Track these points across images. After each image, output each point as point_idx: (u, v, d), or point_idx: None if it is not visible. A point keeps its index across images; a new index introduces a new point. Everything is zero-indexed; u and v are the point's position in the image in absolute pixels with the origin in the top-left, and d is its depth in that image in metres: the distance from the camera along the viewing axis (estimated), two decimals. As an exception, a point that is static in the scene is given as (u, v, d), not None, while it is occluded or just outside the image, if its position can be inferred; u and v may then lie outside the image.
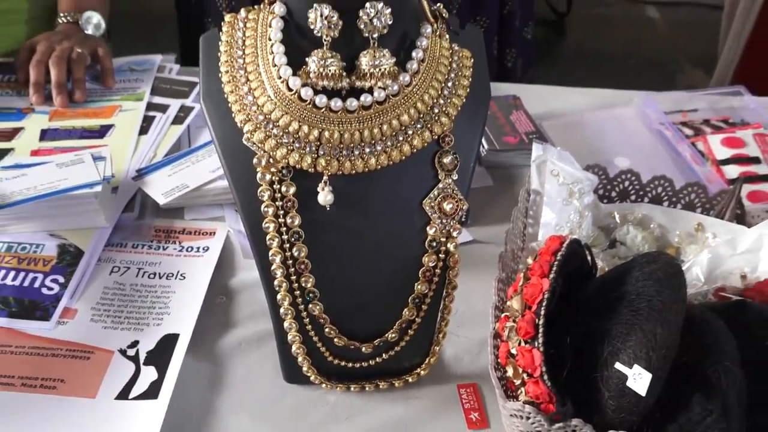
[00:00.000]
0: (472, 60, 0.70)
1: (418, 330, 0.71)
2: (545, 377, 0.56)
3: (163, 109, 1.07)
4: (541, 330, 0.57)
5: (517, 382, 0.58)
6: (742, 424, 0.56)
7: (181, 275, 0.84)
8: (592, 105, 1.19)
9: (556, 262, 0.59)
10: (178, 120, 1.05)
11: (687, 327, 0.58)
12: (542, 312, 0.57)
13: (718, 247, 0.73)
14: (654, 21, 2.92)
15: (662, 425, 0.57)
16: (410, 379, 0.74)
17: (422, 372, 0.74)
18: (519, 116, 1.09)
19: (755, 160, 1.04)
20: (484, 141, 1.03)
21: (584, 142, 1.10)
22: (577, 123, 1.15)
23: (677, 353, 0.56)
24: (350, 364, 0.72)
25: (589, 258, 0.67)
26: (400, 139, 0.65)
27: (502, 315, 0.62)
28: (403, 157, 0.65)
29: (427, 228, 0.68)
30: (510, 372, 0.59)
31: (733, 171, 1.02)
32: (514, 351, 0.58)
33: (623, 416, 0.56)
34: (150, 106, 1.08)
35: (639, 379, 0.54)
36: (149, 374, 0.73)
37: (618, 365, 0.55)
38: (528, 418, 0.58)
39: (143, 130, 1.03)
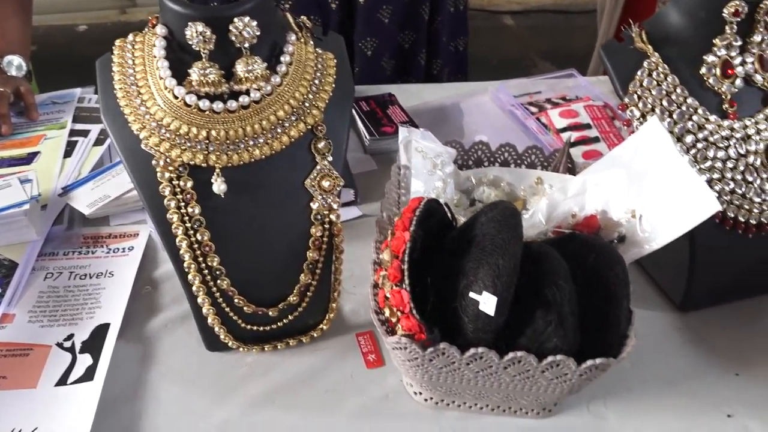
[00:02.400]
0: (335, 60, 0.71)
1: (316, 291, 0.72)
2: (414, 312, 0.57)
3: (84, 133, 1.04)
4: (406, 273, 0.58)
5: (394, 320, 0.60)
6: (576, 327, 0.59)
7: (109, 273, 0.81)
8: (457, 96, 1.22)
9: (415, 217, 0.61)
10: (99, 142, 1.02)
11: (526, 257, 0.60)
12: (406, 259, 0.58)
13: (553, 194, 0.76)
14: (510, 27, 3.01)
15: (514, 339, 0.60)
16: (315, 335, 0.75)
17: (324, 327, 0.75)
18: (394, 110, 1.11)
19: (587, 126, 1.09)
20: (366, 132, 1.05)
21: (450, 126, 1.13)
22: (443, 111, 1.18)
23: (519, 278, 0.58)
24: (261, 328, 0.72)
25: (449, 213, 0.69)
26: (279, 131, 0.66)
27: (378, 268, 0.63)
28: (284, 146, 0.66)
29: (311, 204, 0.68)
30: (387, 313, 0.60)
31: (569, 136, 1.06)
32: (388, 295, 0.59)
33: (481, 336, 0.58)
34: (73, 133, 1.04)
35: (488, 303, 0.56)
36: (85, 361, 0.71)
37: (471, 294, 0.57)
38: (405, 348, 0.59)
39: (67, 153, 0.99)
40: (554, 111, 1.12)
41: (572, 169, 0.84)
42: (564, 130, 1.07)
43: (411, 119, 1.08)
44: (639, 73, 0.72)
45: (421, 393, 0.70)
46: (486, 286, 0.57)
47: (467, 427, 0.68)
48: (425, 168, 0.81)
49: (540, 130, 1.08)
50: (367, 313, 0.79)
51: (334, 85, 0.69)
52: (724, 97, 0.71)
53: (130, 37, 0.68)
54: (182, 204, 0.65)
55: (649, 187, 0.69)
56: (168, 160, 0.64)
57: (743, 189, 0.71)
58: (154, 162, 0.64)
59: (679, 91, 0.70)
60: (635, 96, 0.71)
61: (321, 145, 0.68)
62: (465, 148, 0.86)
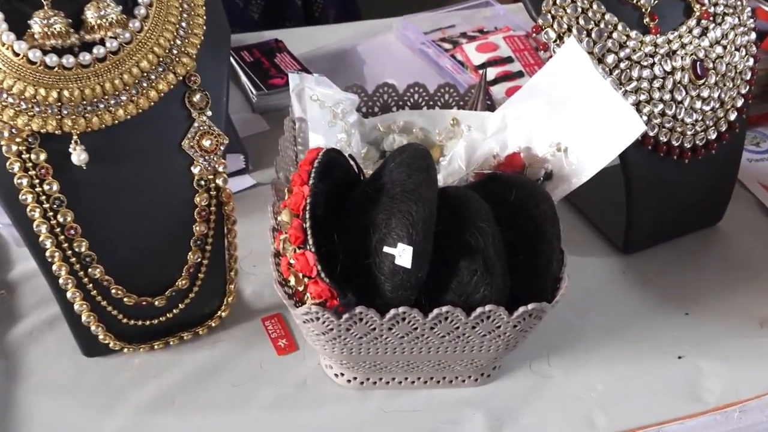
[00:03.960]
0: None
1: (208, 272, 0.76)
2: (322, 275, 0.63)
3: None
4: (309, 232, 0.63)
5: (300, 288, 0.65)
6: (504, 273, 0.66)
7: (-48, 281, 0.83)
8: (356, 38, 1.27)
9: (313, 170, 0.66)
10: None
11: (443, 204, 0.66)
12: (307, 216, 0.63)
13: (471, 135, 0.82)
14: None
15: (438, 296, 0.66)
16: (213, 324, 0.79)
17: (223, 314, 0.79)
18: (283, 58, 1.15)
19: (508, 60, 1.17)
20: (251, 87, 1.09)
21: (351, 74, 1.19)
22: (342, 57, 1.23)
23: (437, 227, 0.64)
24: (148, 322, 0.76)
25: (354, 166, 0.74)
26: (145, 85, 0.69)
27: (278, 232, 0.68)
28: (152, 103, 0.69)
29: (192, 168, 0.72)
30: (293, 280, 0.65)
31: (490, 73, 1.14)
32: (292, 261, 0.64)
33: (401, 294, 0.63)
34: None
35: (404, 255, 0.62)
36: (-65, 383, 0.72)
37: (385, 248, 0.63)
38: (318, 318, 0.64)
39: None
40: (470, 45, 1.19)
41: (491, 107, 0.91)
42: (483, 66, 1.15)
43: (304, 68, 1.13)
44: (552, -11, 0.79)
45: (342, 374, 0.75)
46: (400, 236, 0.62)
47: (399, 405, 0.74)
48: (324, 119, 0.86)
49: (456, 69, 1.15)
50: (272, 295, 0.83)
51: (205, 28, 0.72)
52: (644, 10, 0.80)
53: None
54: (36, 181, 0.67)
55: (573, 115, 0.76)
56: (14, 130, 0.66)
57: (673, 110, 0.80)
58: (-5, 134, 0.66)
59: (595, 7, 0.78)
60: (549, 16, 0.78)
61: (197, 98, 0.72)
62: (368, 93, 0.92)
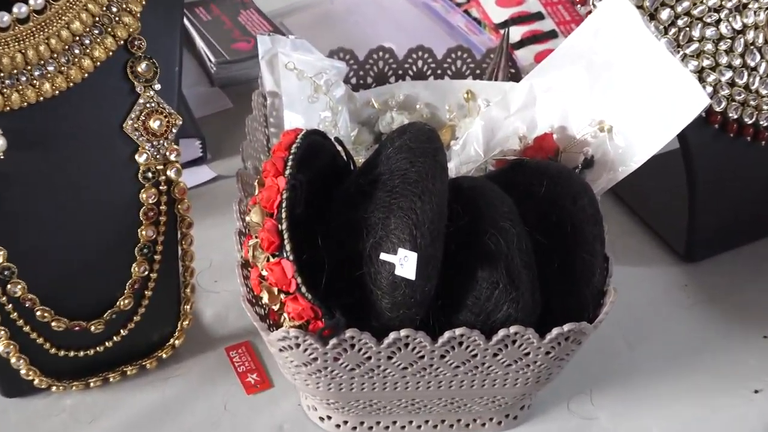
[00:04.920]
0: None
1: (158, 288, 0.77)
2: (303, 290, 0.64)
3: None
4: (286, 235, 0.64)
5: (276, 307, 0.66)
6: (533, 284, 0.67)
7: None
8: (343, -11, 1.29)
9: (291, 156, 0.67)
10: None
11: (455, 197, 0.68)
12: (284, 215, 0.65)
13: (491, 112, 0.84)
14: None
15: (450, 315, 0.67)
16: (164, 355, 0.80)
17: (177, 342, 0.81)
18: (250, 16, 1.16)
19: (537, 16, 1.19)
20: (209, 53, 1.10)
21: (340, 35, 1.20)
22: (327, 14, 1.25)
23: (448, 227, 0.65)
24: (82, 353, 0.77)
25: (343, 153, 0.76)
26: (77, 52, 0.70)
27: (247, 236, 0.70)
28: (86, 75, 0.70)
29: (137, 156, 0.74)
30: (266, 298, 0.66)
31: (514, 33, 1.16)
32: (264, 272, 0.66)
33: (402, 312, 0.65)
34: None
35: (407, 263, 0.63)
36: None
37: (383, 255, 0.64)
38: (298, 345, 0.66)
39: None
40: (489, -1, 1.21)
41: (516, 76, 0.93)
42: (505, 24, 1.16)
43: (277, 28, 1.14)
44: (591, -74, 0.81)
45: (330, 417, 0.76)
46: (401, 240, 0.64)
47: (401, 456, 0.76)
48: (303, 93, 0.87)
49: (471, 28, 1.17)
50: (239, 317, 0.85)
51: (152, -21, 0.74)
52: (707, -50, 0.82)
53: None
54: (-61, 175, 0.69)
55: (619, 86, 0.78)
56: None
57: (745, 78, 0.82)
58: None
59: (647, -53, 0.80)
60: (588, -40, 0.80)
61: (142, 67, 0.73)
62: (359, 59, 0.93)
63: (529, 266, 0.68)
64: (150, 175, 0.74)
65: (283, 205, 0.65)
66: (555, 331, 0.66)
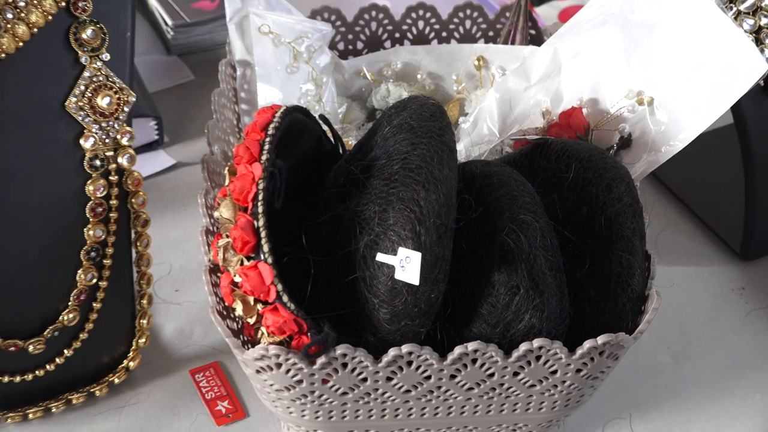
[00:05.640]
0: None
1: (108, 300, 0.78)
2: (284, 298, 0.64)
3: None
4: (263, 234, 0.64)
5: (251, 320, 0.66)
6: (560, 289, 0.68)
7: None
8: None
9: (268, 139, 0.68)
10: None
11: (466, 186, 0.68)
12: (260, 209, 0.65)
13: (507, 83, 0.84)
14: None
15: (462, 327, 0.68)
16: (116, 380, 0.81)
17: (132, 364, 0.81)
18: (214, -31, 1.17)
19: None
20: (166, 15, 1.10)
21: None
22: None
23: (458, 221, 0.66)
24: (18, 378, 0.77)
25: (330, 132, 0.76)
26: (9, 17, 0.70)
27: (216, 234, 0.70)
28: (20, 44, 0.71)
29: (82, 140, 0.74)
30: (239, 309, 0.66)
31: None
32: (237, 278, 0.66)
33: (404, 324, 0.65)
34: None
35: (408, 265, 0.64)
36: None
37: (380, 256, 0.64)
38: (279, 364, 0.66)
39: None
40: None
41: (537, 38, 0.93)
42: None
43: (246, -16, 1.14)
44: None
45: (317, 451, 0.77)
46: (402, 238, 0.64)
47: (404, 496, 0.76)
48: (280, 62, 0.88)
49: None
50: (207, 332, 0.86)
51: (97, -74, 0.75)
52: None
53: None
54: None
55: (661, 51, 0.79)
56: None
57: (812, 40, 0.83)
58: None
59: None
60: None
61: (88, 33, 0.73)
62: (347, 20, 0.94)
63: (556, 267, 0.68)
64: (98, 163, 0.74)
65: (260, 197, 0.65)
66: (587, 344, 0.67)
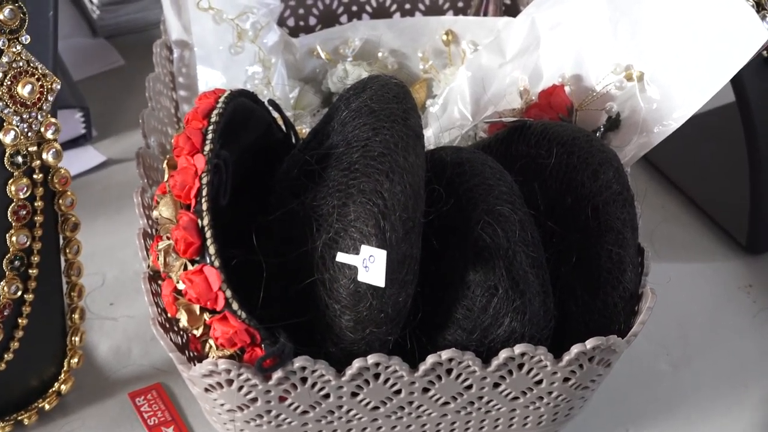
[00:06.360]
0: None
1: (35, 315, 0.78)
2: (234, 305, 0.65)
3: None
4: (208, 234, 0.65)
5: (198, 331, 0.67)
6: (544, 288, 0.69)
7: None
8: None
9: (211, 126, 0.68)
10: None
11: (436, 175, 0.69)
12: (204, 206, 0.65)
13: (479, 59, 0.86)
14: None
15: (434, 334, 0.69)
16: (47, 405, 0.81)
17: (63, 387, 0.82)
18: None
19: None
20: (91, -8, 1.12)
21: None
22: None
23: (427, 216, 0.67)
24: (-68, 405, 0.78)
25: (280, 119, 0.77)
26: None
27: (155, 237, 0.71)
28: (-74, 25, 0.72)
29: (1, 134, 0.74)
30: (184, 320, 0.67)
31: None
32: (181, 285, 0.66)
33: (370, 333, 0.66)
34: None
35: (372, 266, 0.64)
36: None
37: (340, 256, 0.65)
38: (229, 381, 0.67)
39: None
40: None
41: (512, 8, 0.94)
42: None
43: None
44: None
45: (275, 480, 0.78)
46: (365, 234, 0.65)
47: None
48: (222, 42, 0.88)
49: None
50: (146, 351, 0.86)
51: None
52: None
53: None
54: None
55: (652, 21, 0.80)
56: None
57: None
58: None
59: None
60: None
61: (5, 14, 0.73)
62: (298, -9, 0.95)
63: (538, 264, 0.69)
64: (20, 159, 0.75)
65: (203, 192, 0.66)
66: (575, 349, 0.68)
